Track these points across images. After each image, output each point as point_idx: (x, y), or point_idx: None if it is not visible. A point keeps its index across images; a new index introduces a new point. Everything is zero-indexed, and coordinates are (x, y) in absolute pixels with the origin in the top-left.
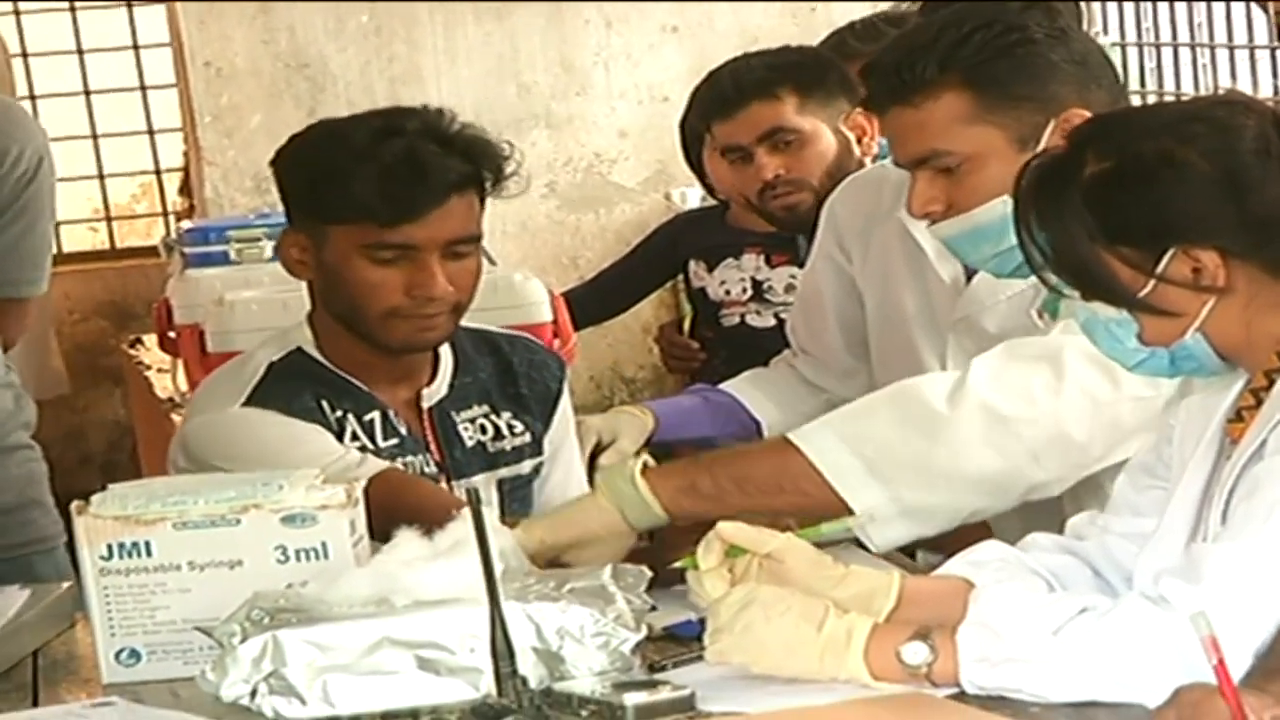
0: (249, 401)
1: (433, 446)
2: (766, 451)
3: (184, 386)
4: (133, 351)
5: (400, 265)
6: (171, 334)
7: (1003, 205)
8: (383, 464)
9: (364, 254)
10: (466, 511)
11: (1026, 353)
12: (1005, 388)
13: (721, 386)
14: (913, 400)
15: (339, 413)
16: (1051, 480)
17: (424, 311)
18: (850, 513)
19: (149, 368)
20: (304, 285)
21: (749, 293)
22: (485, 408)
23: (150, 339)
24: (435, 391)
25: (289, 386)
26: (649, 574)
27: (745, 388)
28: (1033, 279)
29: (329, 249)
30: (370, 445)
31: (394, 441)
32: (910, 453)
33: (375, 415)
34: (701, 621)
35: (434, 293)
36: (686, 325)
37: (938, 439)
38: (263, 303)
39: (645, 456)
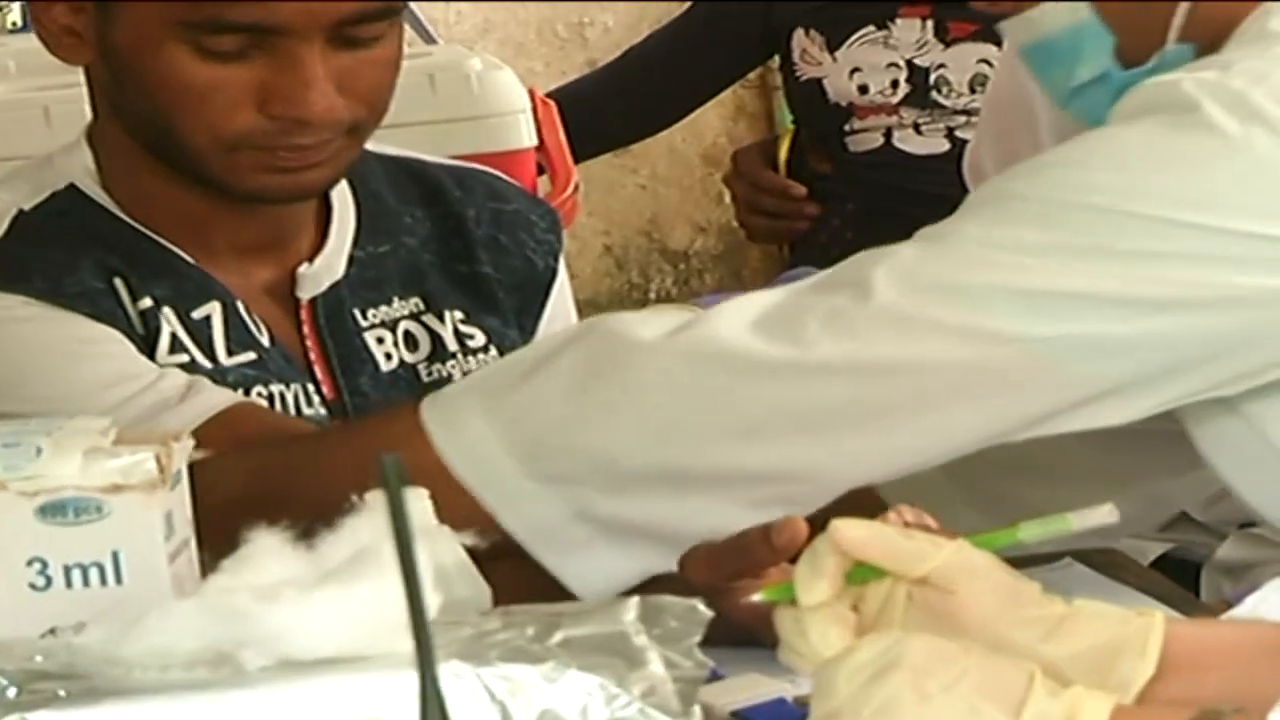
0: None
1: (318, 367)
2: (365, 435)
3: None
4: None
5: (251, 60)
6: None
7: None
8: (228, 395)
9: (184, 38)
10: (375, 498)
11: (831, 278)
12: (767, 319)
13: None
14: (601, 336)
15: (146, 301)
16: (869, 475)
17: (292, 141)
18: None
19: None
20: (79, 75)
21: (903, 89)
22: (416, 300)
23: None
24: (323, 269)
25: (55, 254)
26: (707, 613)
27: None
28: None
29: (122, 23)
30: (205, 362)
31: (247, 357)
32: (586, 426)
33: (213, 309)
34: (801, 701)
35: (310, 112)
36: (783, 153)
37: (624, 394)
38: (7, 107)
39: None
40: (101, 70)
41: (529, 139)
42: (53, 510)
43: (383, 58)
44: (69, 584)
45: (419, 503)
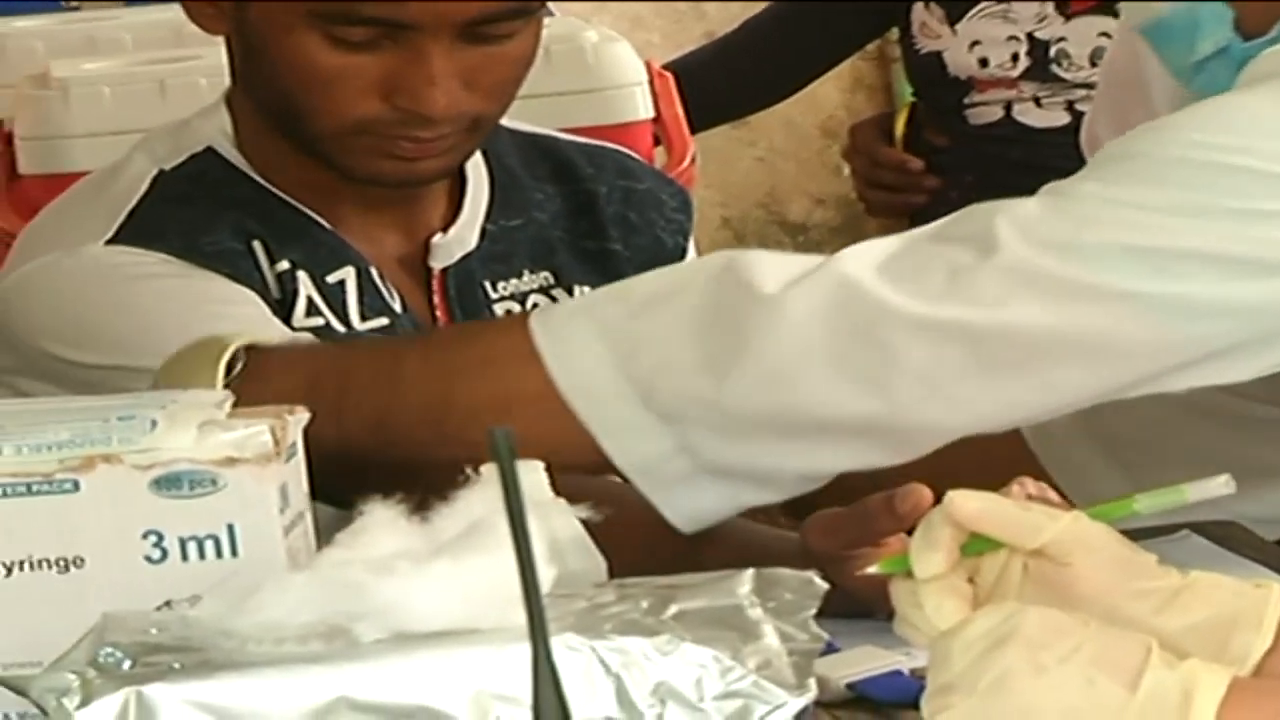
0: (119, 238)
1: None
2: (452, 354)
3: None
4: None
5: (380, 51)
6: None
7: None
8: None
9: (315, 26)
10: (489, 471)
11: (952, 229)
12: (892, 267)
13: None
14: (731, 277)
15: (283, 264)
16: (979, 425)
17: (413, 133)
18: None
19: None
20: (215, 48)
21: (1023, 63)
22: (545, 274)
23: None
24: (456, 241)
25: (193, 213)
26: (822, 585)
27: None
28: None
29: (258, 5)
30: (339, 326)
31: (379, 323)
32: (706, 368)
33: (348, 274)
34: (918, 674)
35: (433, 109)
36: (900, 127)
37: (749, 342)
38: (123, 81)
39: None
40: (236, 42)
41: (645, 111)
42: (167, 483)
43: (514, 54)
44: (184, 557)
45: (533, 475)
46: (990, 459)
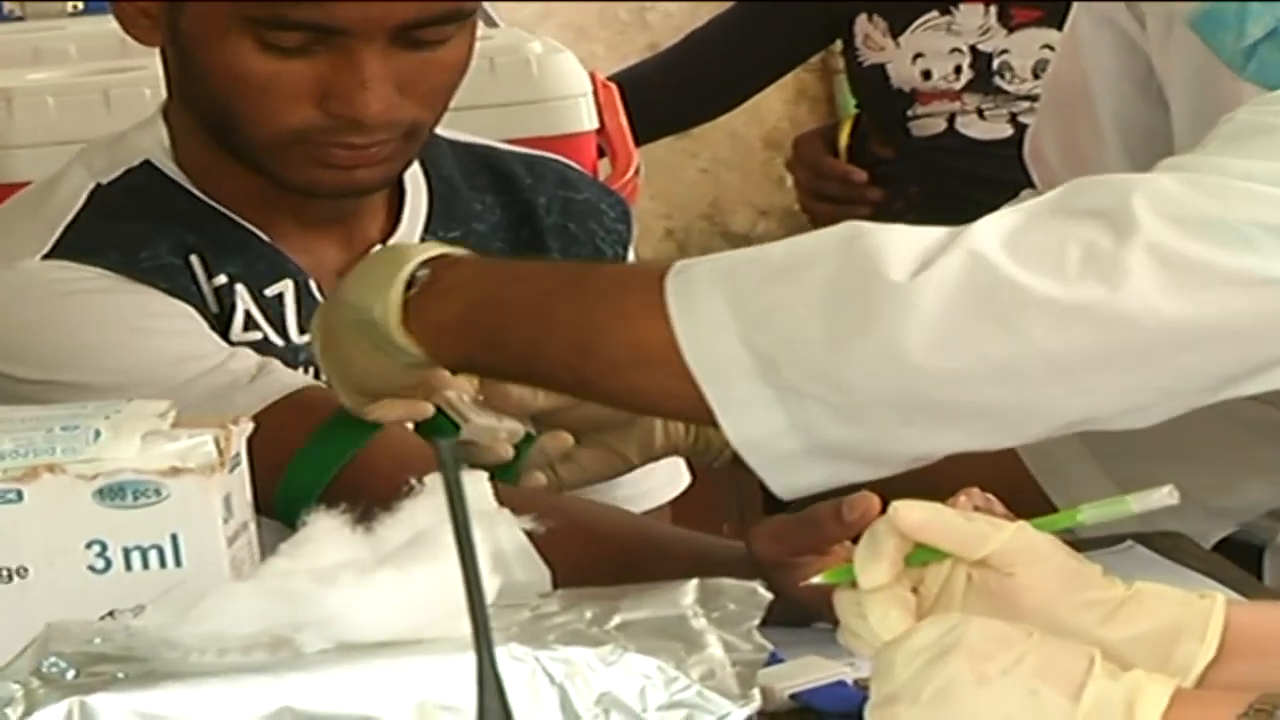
0: (55, 253)
1: None
2: (598, 304)
3: None
4: None
5: (313, 56)
6: None
7: None
8: (298, 378)
9: (248, 32)
10: (434, 481)
11: (1079, 203)
12: (1019, 246)
13: None
14: (859, 254)
15: (220, 278)
16: (1093, 411)
17: (348, 140)
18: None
19: None
20: (139, 59)
21: (966, 75)
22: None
23: None
24: None
25: (131, 228)
26: (766, 596)
27: None
28: None
29: (189, 11)
30: (277, 340)
31: None
32: (831, 345)
33: (286, 287)
34: (861, 684)
35: (366, 113)
36: (844, 139)
37: (876, 322)
38: (67, 91)
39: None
40: (171, 53)
41: (590, 122)
42: (111, 493)
43: (448, 60)
44: (128, 566)
45: (478, 486)
46: (975, 463)
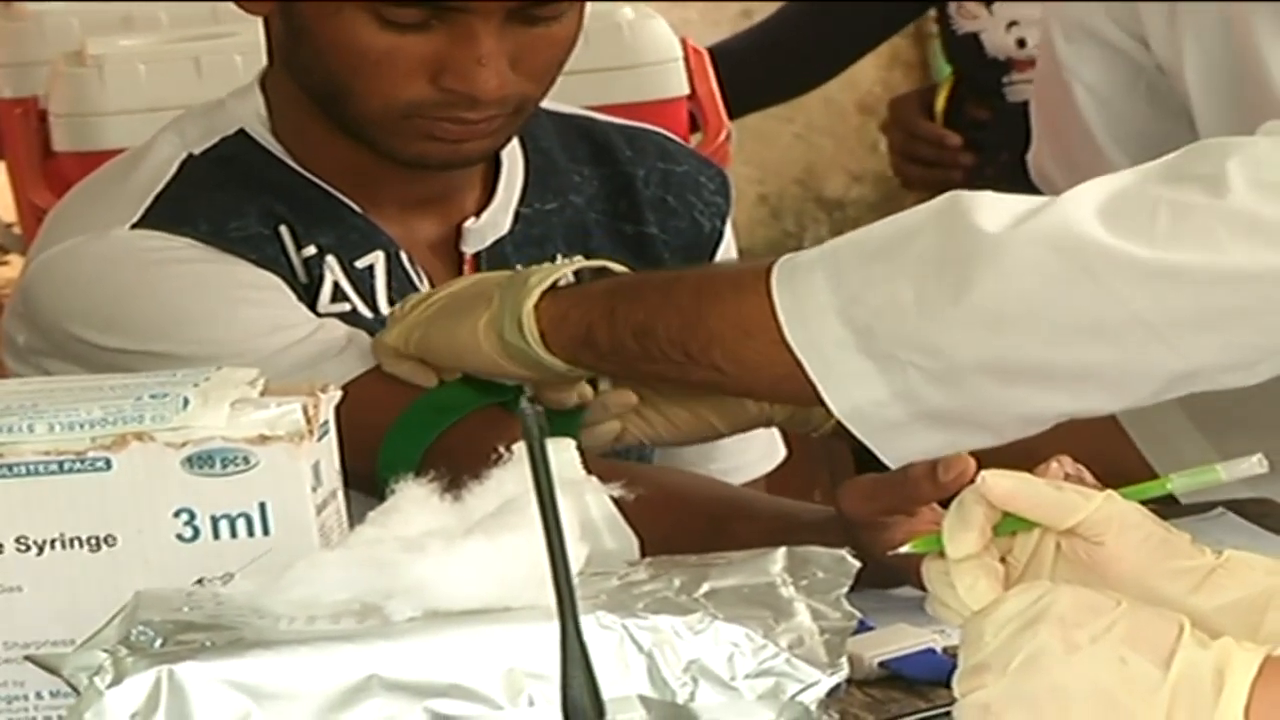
0: (145, 222)
1: None
2: (713, 284)
3: (9, 216)
4: None
5: (430, 31)
6: None
7: None
8: None
9: (366, 7)
10: (522, 449)
11: (1181, 169)
12: (1115, 209)
13: None
14: (954, 219)
15: (310, 249)
16: (1197, 369)
17: (460, 114)
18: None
19: None
20: (251, 25)
21: None
22: (579, 259)
23: None
24: (489, 225)
25: (221, 198)
26: (854, 564)
27: None
28: None
29: None
30: (366, 312)
31: None
32: (925, 311)
33: (377, 259)
34: (950, 652)
35: (482, 89)
36: (941, 103)
37: (969, 283)
38: (158, 59)
39: (564, 265)
40: (279, 23)
41: (680, 88)
42: (200, 461)
43: (560, 36)
44: (216, 535)
45: (565, 454)
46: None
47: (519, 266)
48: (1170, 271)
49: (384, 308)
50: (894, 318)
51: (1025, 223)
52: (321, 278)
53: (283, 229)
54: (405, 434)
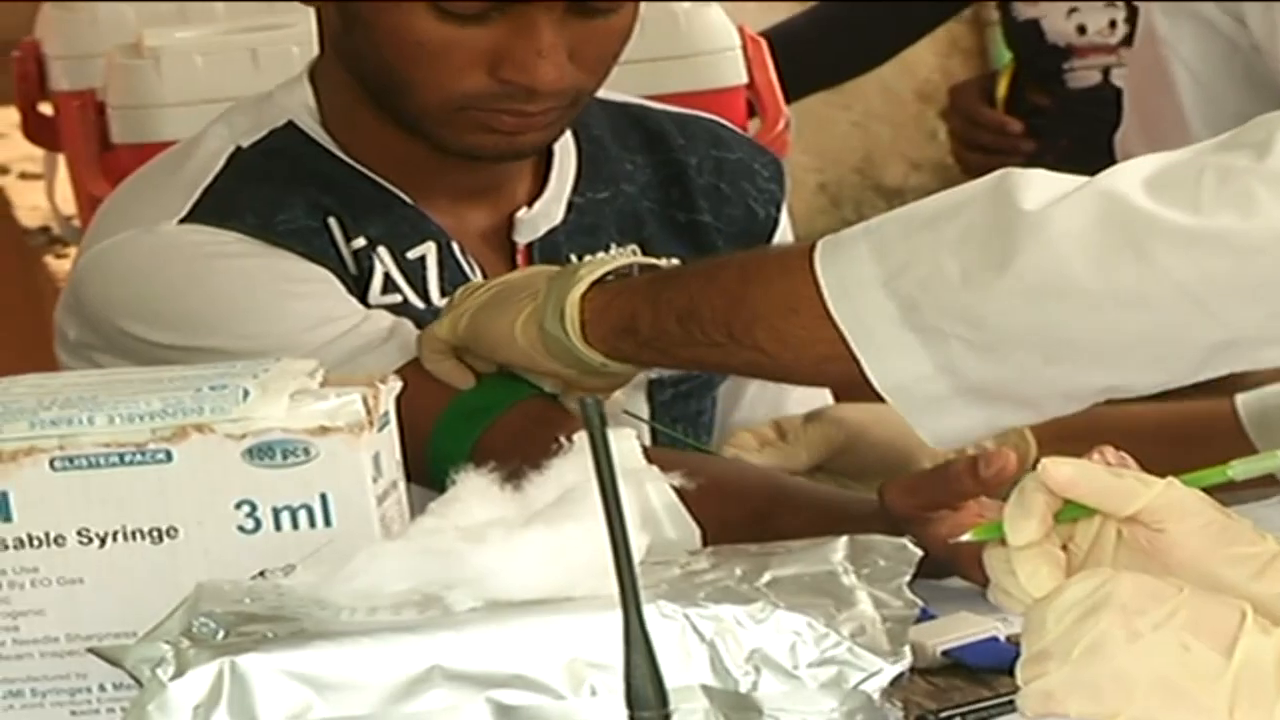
0: (193, 216)
1: None
2: (758, 264)
3: (69, 209)
4: None
5: (489, 23)
6: (45, 108)
7: None
8: None
9: None
10: (582, 439)
11: (1236, 137)
12: (1160, 181)
13: None
14: (999, 194)
15: (360, 240)
16: (1235, 338)
17: (518, 106)
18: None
19: (2, 173)
20: (307, 15)
21: (1121, 30)
22: (632, 247)
23: (4, 117)
24: (541, 215)
25: (269, 191)
26: (916, 552)
27: None
28: None
29: None
30: (418, 303)
31: None
32: (969, 283)
33: (428, 250)
34: (1013, 640)
35: (541, 81)
36: (1002, 89)
37: (1012, 254)
38: (216, 50)
39: (615, 259)
40: (333, 14)
41: (738, 76)
42: (260, 453)
43: (617, 27)
44: (277, 526)
45: (625, 443)
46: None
47: (572, 256)
48: (1210, 236)
49: (436, 299)
50: (939, 289)
51: (1071, 195)
52: (372, 269)
53: (332, 221)
54: (447, 436)
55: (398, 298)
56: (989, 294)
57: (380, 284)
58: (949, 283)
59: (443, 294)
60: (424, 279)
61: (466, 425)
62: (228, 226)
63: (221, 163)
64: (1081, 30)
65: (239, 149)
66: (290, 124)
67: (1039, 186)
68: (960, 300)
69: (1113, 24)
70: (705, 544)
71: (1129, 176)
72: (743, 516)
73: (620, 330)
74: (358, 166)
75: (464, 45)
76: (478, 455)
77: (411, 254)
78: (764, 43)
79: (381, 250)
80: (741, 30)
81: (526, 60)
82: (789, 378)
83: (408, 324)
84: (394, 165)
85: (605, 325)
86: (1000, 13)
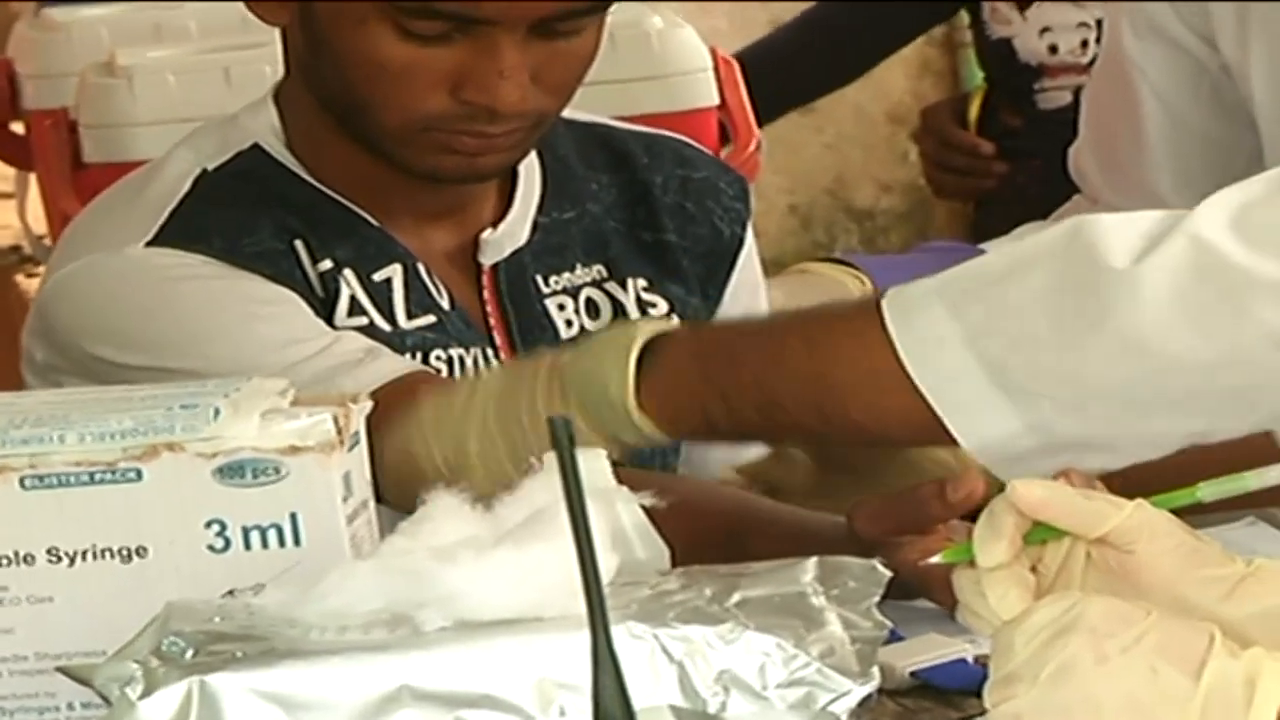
0: (159, 239)
1: (497, 333)
2: (825, 334)
3: (41, 228)
4: None
5: (451, 44)
6: (17, 128)
7: None
8: (406, 363)
9: (388, 19)
10: (552, 459)
11: None
12: (1248, 225)
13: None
14: (1080, 249)
15: (326, 263)
16: None
17: (479, 128)
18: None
19: None
20: (259, 36)
21: (1093, 50)
22: (599, 267)
23: None
24: (506, 236)
25: (235, 214)
26: (886, 573)
27: None
28: None
29: None
30: (384, 325)
31: (426, 320)
32: (1062, 343)
33: (394, 272)
34: (982, 661)
35: (503, 102)
36: (974, 111)
37: (1106, 313)
38: (189, 70)
39: (661, 325)
40: (297, 34)
41: (710, 98)
42: (230, 472)
43: (580, 50)
44: (247, 545)
45: (595, 463)
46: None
47: (538, 277)
48: None
49: (402, 321)
50: (1030, 350)
51: (1159, 246)
52: (338, 291)
53: (298, 243)
54: None
55: (364, 320)
56: (1086, 352)
57: (346, 306)
58: (1041, 344)
59: (409, 316)
60: (390, 301)
61: None
62: (194, 249)
63: (187, 185)
64: (1053, 50)
65: (204, 172)
66: (256, 146)
67: (1119, 236)
68: (1054, 361)
69: (1084, 44)
70: (675, 564)
71: (1214, 220)
72: (713, 537)
73: (695, 428)
74: (323, 189)
75: (426, 66)
76: None
77: (378, 276)
78: (736, 64)
79: (348, 272)
80: (713, 51)
81: (488, 81)
82: (885, 444)
83: (381, 346)
84: (359, 187)
85: (680, 426)
86: (973, 31)
